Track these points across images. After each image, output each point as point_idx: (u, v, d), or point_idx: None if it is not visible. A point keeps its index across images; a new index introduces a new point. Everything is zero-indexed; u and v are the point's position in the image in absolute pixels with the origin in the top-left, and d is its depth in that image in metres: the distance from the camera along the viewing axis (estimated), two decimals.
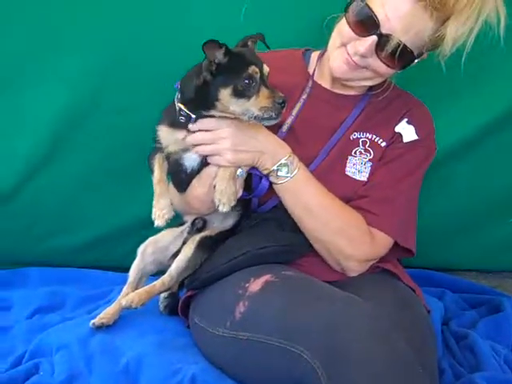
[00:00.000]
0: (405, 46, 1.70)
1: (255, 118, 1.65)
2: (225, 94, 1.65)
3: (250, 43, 1.75)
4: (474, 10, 1.64)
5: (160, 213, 1.71)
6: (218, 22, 2.16)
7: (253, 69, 1.63)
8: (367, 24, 1.72)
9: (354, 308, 1.48)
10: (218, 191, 1.72)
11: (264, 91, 1.64)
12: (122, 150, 2.40)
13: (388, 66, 1.76)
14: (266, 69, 1.67)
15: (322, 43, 1.97)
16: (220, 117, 1.71)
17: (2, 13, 2.20)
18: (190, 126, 1.74)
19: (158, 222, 1.71)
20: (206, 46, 1.59)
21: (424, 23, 1.69)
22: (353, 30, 1.75)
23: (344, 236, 1.80)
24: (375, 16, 1.70)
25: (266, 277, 1.65)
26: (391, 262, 1.95)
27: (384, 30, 1.70)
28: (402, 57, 1.73)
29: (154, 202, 1.73)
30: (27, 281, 2.49)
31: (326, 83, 1.96)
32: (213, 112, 1.70)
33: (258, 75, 1.64)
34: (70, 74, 2.26)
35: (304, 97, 1.92)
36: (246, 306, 1.62)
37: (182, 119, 1.74)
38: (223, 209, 1.71)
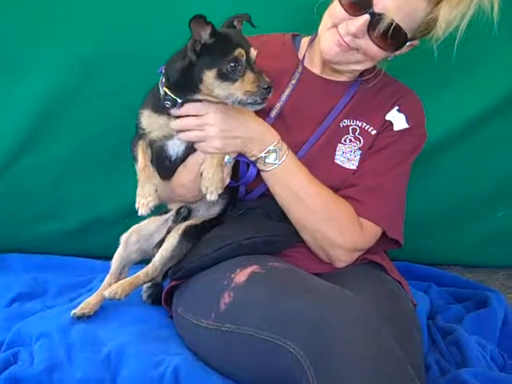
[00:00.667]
0: (397, 25, 1.68)
1: (239, 102, 1.62)
2: (209, 76, 1.61)
3: (236, 23, 1.71)
4: None
5: (145, 201, 1.66)
6: (205, 8, 2.11)
7: (239, 51, 1.59)
8: (360, 3, 1.70)
9: (341, 300, 1.46)
10: (206, 179, 1.69)
11: (249, 75, 1.60)
12: (107, 135, 2.36)
13: (379, 47, 1.74)
14: (253, 52, 1.63)
15: (310, 28, 1.95)
16: (206, 101, 1.68)
17: None
18: (174, 111, 1.70)
19: (142, 210, 1.66)
20: (193, 22, 1.54)
21: (417, 3, 1.68)
22: (345, 10, 1.72)
23: (332, 224, 1.77)
24: None
25: (253, 268, 1.62)
26: (379, 253, 1.93)
27: (377, 8, 1.68)
28: (394, 37, 1.71)
29: (139, 190, 1.69)
30: (7, 267, 2.45)
31: (316, 69, 1.93)
32: (198, 96, 1.67)
33: (244, 58, 1.60)
34: (54, 58, 2.22)
35: (293, 82, 1.90)
36: (231, 297, 1.59)
37: (168, 104, 1.70)
38: (211, 197, 1.68)
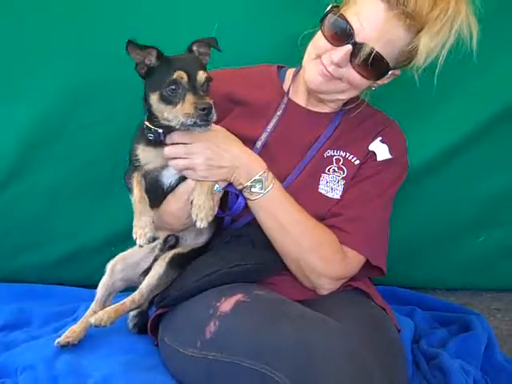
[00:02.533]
0: (379, 54, 1.72)
1: (181, 124, 1.63)
2: (154, 99, 1.65)
3: (194, 48, 1.74)
4: (447, 20, 1.67)
5: (142, 232, 1.68)
6: (190, 37, 2.15)
7: (178, 74, 1.61)
8: (342, 34, 1.73)
9: (325, 328, 1.48)
10: (196, 206, 1.71)
11: (190, 97, 1.61)
12: (94, 164, 2.36)
13: (362, 75, 1.77)
14: (200, 75, 1.64)
15: (293, 60, 1.98)
16: (185, 130, 1.69)
17: None
18: (168, 140, 1.72)
19: (140, 241, 1.67)
20: (127, 47, 1.60)
21: (398, 33, 1.71)
22: (328, 41, 1.76)
23: (316, 254, 1.79)
24: (350, 25, 1.71)
25: (238, 296, 1.63)
26: (362, 280, 1.95)
27: (358, 38, 1.71)
28: (375, 66, 1.74)
29: (135, 221, 1.71)
30: None
31: (300, 100, 1.96)
32: (162, 121, 1.68)
33: (185, 81, 1.62)
34: (44, 87, 2.23)
35: (278, 113, 1.92)
36: (216, 326, 1.59)
37: (151, 136, 1.73)
38: (201, 224, 1.69)
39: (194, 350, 1.62)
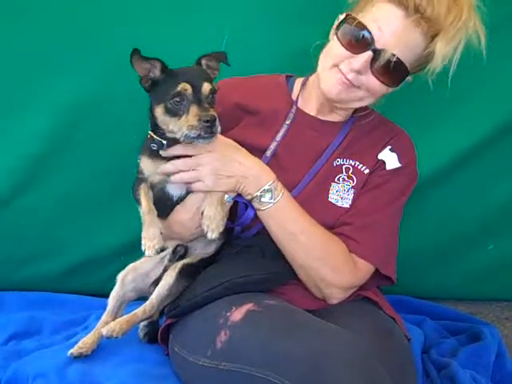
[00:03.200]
0: (399, 59, 1.73)
1: (185, 136, 1.63)
2: (158, 111, 1.66)
3: (203, 61, 1.75)
4: (461, 26, 1.69)
5: (150, 243, 1.69)
6: (198, 49, 2.17)
7: (182, 86, 1.61)
8: (362, 41, 1.74)
9: (336, 339, 1.48)
10: (207, 217, 1.72)
11: (194, 109, 1.61)
12: (101, 175, 2.38)
13: (382, 81, 1.78)
14: (205, 87, 1.64)
15: (301, 69, 2.00)
16: (189, 142, 1.70)
17: None
18: (163, 153, 1.73)
19: (149, 252, 1.68)
20: (131, 57, 1.61)
21: (415, 38, 1.72)
22: (347, 49, 1.77)
23: (326, 263, 1.79)
24: (369, 32, 1.72)
25: (248, 306, 1.63)
26: (372, 289, 1.95)
27: (378, 45, 1.72)
28: (396, 71, 1.75)
29: (144, 233, 1.72)
30: (2, 305, 2.44)
31: (309, 109, 1.97)
32: (167, 133, 1.69)
33: (190, 92, 1.62)
34: (51, 100, 2.25)
35: (287, 122, 1.93)
36: (227, 336, 1.59)
37: (154, 146, 1.73)
38: (212, 235, 1.70)
39: (205, 360, 1.62)
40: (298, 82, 2.03)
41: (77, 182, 2.39)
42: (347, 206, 1.88)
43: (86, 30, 2.20)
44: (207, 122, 1.60)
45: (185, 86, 1.61)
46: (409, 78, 1.84)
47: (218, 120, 1.63)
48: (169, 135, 1.69)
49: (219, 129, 1.65)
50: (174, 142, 1.71)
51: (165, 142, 1.71)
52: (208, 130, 1.62)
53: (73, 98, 2.26)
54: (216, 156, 1.74)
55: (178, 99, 1.62)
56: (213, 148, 1.74)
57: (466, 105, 2.35)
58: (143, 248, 1.70)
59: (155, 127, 1.71)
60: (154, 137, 1.73)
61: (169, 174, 1.76)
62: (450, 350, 2.18)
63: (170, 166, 1.75)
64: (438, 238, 2.59)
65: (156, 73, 1.65)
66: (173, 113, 1.63)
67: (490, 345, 2.13)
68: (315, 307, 1.83)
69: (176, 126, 1.64)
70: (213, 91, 1.66)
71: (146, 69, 1.65)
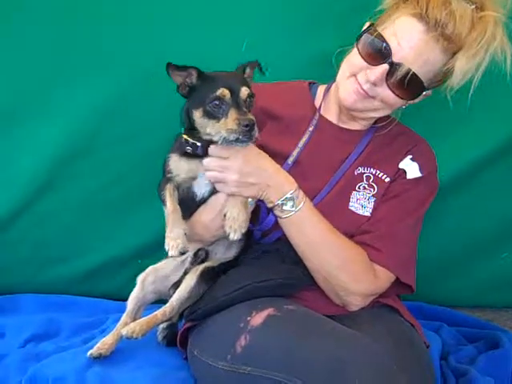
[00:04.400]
0: (415, 74, 1.72)
1: (224, 139, 1.65)
2: (197, 115, 1.68)
3: (248, 70, 1.78)
4: (484, 43, 1.68)
5: (174, 243, 1.69)
6: (219, 54, 2.18)
7: (221, 91, 1.64)
8: (380, 53, 1.75)
9: (356, 345, 1.48)
10: (230, 218, 1.72)
11: (233, 113, 1.64)
12: (121, 180, 2.40)
13: (397, 95, 1.78)
14: (243, 92, 1.67)
15: (324, 76, 2.00)
16: (225, 145, 1.71)
17: (10, 49, 2.24)
18: (210, 150, 1.75)
19: (172, 252, 1.68)
20: (167, 70, 1.66)
21: (434, 54, 1.72)
22: (365, 60, 1.77)
23: (346, 271, 1.79)
24: (388, 45, 1.73)
25: (269, 310, 1.64)
26: (391, 297, 1.95)
27: (396, 58, 1.72)
28: (411, 86, 1.75)
29: (167, 233, 1.72)
30: (20, 308, 2.46)
31: (332, 117, 1.97)
32: (204, 136, 1.71)
33: (228, 97, 1.64)
34: (74, 105, 2.28)
35: (310, 129, 1.93)
36: (247, 340, 1.60)
37: (189, 149, 1.75)
38: (234, 236, 1.70)
39: (225, 364, 1.62)
40: (321, 88, 2.04)
41: (95, 187, 2.42)
42: (368, 214, 1.88)
43: (108, 40, 2.23)
44: (246, 126, 1.62)
45: (224, 92, 1.64)
46: (428, 92, 1.84)
47: (256, 124, 1.65)
48: (205, 137, 1.72)
49: (257, 133, 1.67)
50: (208, 143, 1.73)
51: (199, 144, 1.73)
52: (247, 134, 1.64)
53: (95, 104, 2.28)
54: (244, 162, 1.74)
55: (216, 102, 1.65)
56: (242, 153, 1.74)
57: (484, 113, 2.33)
58: (166, 247, 1.70)
59: (191, 129, 1.73)
60: (189, 139, 1.74)
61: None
62: (468, 356, 2.17)
63: (205, 162, 1.75)
64: (452, 245, 2.58)
65: (193, 79, 1.69)
66: (212, 116, 1.66)
67: (508, 352, 2.11)
68: (335, 312, 1.83)
69: (214, 129, 1.67)
70: (250, 95, 1.69)
71: (183, 76, 1.69)
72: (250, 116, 1.64)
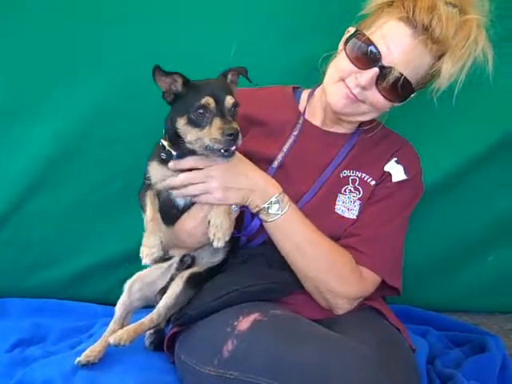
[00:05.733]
0: (405, 78, 1.74)
1: (206, 147, 1.64)
2: (181, 122, 1.67)
3: (230, 75, 1.77)
4: (469, 46, 1.71)
5: (148, 251, 1.68)
6: (207, 59, 2.19)
7: (206, 99, 1.63)
8: (369, 57, 1.76)
9: (344, 348, 1.49)
10: (213, 226, 1.72)
11: (217, 122, 1.63)
12: (112, 182, 2.40)
13: (387, 98, 1.80)
14: (228, 100, 1.66)
15: (308, 81, 2.02)
16: (202, 155, 1.71)
17: (7, 50, 2.26)
18: (171, 166, 1.73)
19: (146, 260, 1.68)
20: (153, 73, 1.64)
21: (423, 57, 1.75)
22: (354, 64, 1.79)
23: (333, 274, 1.80)
24: (377, 49, 1.74)
25: (255, 315, 1.64)
26: (377, 300, 1.95)
27: (385, 62, 1.74)
28: (402, 89, 1.77)
29: (144, 240, 1.71)
30: (7, 312, 2.45)
31: (316, 121, 1.99)
32: (186, 145, 1.70)
33: (213, 106, 1.64)
34: (64, 106, 2.29)
35: (295, 134, 1.95)
36: (234, 345, 1.60)
37: (163, 156, 1.75)
38: (218, 244, 1.70)
39: (211, 369, 1.63)
40: (305, 93, 2.05)
41: (85, 189, 2.42)
42: (354, 217, 1.89)
43: (102, 42, 2.25)
44: (230, 135, 1.61)
45: (208, 100, 1.63)
46: (412, 94, 1.85)
47: (240, 134, 1.64)
48: (188, 146, 1.70)
49: (240, 142, 1.65)
50: (186, 153, 1.72)
51: (175, 152, 1.73)
52: (231, 144, 1.63)
53: (85, 106, 2.29)
54: (225, 169, 1.74)
55: (201, 111, 1.64)
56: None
57: (469, 116, 2.36)
58: (141, 255, 1.69)
59: (173, 137, 1.72)
60: (166, 146, 1.74)
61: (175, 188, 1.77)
62: (454, 361, 2.16)
63: (176, 180, 1.75)
64: (438, 249, 2.61)
65: (178, 86, 1.67)
66: (196, 124, 1.65)
67: (495, 356, 2.11)
68: (321, 317, 1.84)
69: (196, 136, 1.66)
70: (235, 104, 1.68)
71: (168, 83, 1.67)
72: (235, 125, 1.63)
